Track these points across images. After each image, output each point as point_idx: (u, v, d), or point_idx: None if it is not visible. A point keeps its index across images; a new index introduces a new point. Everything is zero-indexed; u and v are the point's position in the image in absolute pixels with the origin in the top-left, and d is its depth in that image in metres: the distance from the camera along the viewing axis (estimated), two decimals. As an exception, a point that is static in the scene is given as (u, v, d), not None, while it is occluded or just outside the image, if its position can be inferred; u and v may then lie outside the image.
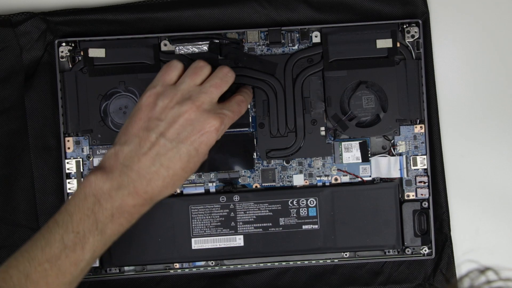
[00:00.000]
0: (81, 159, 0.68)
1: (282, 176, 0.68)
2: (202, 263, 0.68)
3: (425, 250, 0.68)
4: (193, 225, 0.67)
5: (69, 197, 0.60)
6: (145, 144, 0.57)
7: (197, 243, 0.67)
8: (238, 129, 0.68)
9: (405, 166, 0.68)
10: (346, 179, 0.68)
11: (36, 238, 0.55)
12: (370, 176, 0.68)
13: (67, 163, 0.67)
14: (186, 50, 0.68)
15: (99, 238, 0.55)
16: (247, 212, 0.67)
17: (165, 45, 0.68)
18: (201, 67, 0.59)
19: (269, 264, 0.68)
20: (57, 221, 0.55)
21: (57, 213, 0.56)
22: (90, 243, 0.55)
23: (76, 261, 0.55)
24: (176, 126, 0.57)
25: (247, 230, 0.67)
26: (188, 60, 0.67)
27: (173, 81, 0.59)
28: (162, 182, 0.57)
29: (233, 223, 0.67)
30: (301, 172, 0.68)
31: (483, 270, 0.40)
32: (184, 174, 0.58)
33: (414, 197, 0.68)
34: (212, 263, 0.68)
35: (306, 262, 0.68)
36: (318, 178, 0.68)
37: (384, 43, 0.67)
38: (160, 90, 0.58)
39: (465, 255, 0.67)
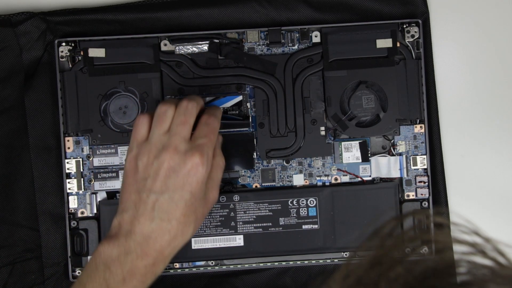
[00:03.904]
0: (81, 159, 0.68)
1: (282, 176, 0.68)
2: (202, 263, 0.68)
3: (425, 250, 0.68)
4: (193, 225, 0.67)
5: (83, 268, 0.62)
6: (140, 205, 0.58)
7: (197, 243, 0.67)
8: (238, 129, 0.68)
9: (405, 166, 0.68)
10: (346, 179, 0.68)
11: None
12: (370, 176, 0.68)
13: (67, 163, 0.67)
14: (186, 50, 0.68)
15: None
16: (247, 212, 0.67)
17: (165, 45, 0.68)
18: (164, 112, 0.60)
19: (269, 264, 0.68)
20: None
21: (72, 286, 0.58)
22: None
23: None
24: (161, 178, 0.58)
25: (247, 230, 0.67)
26: (187, 60, 0.67)
27: (145, 136, 0.60)
28: (169, 235, 0.58)
29: (233, 223, 0.67)
30: (301, 172, 0.68)
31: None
32: (188, 219, 0.58)
33: (414, 197, 0.68)
34: (212, 263, 0.68)
35: (306, 262, 0.68)
36: (318, 178, 0.68)
37: (384, 43, 0.67)
38: (137, 152, 0.60)
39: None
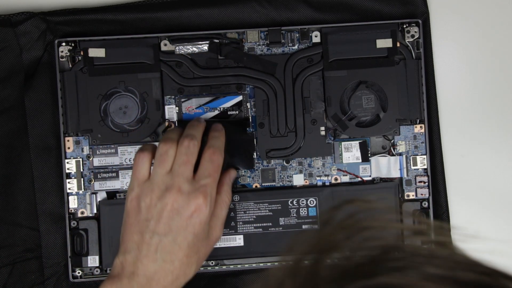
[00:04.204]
0: (81, 159, 0.68)
1: (282, 176, 0.68)
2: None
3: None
4: (193, 225, 0.67)
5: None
6: (143, 246, 0.58)
7: (197, 243, 0.67)
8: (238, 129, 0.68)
9: (405, 166, 0.68)
10: (346, 179, 0.68)
11: None
12: (370, 176, 0.68)
13: (67, 163, 0.67)
14: (186, 50, 0.68)
15: None
16: (247, 212, 0.67)
17: (165, 45, 0.68)
18: (166, 152, 0.59)
19: (269, 264, 0.68)
20: None
21: None
22: None
23: None
24: (164, 220, 0.58)
25: (247, 230, 0.67)
26: (187, 60, 0.67)
27: (146, 176, 0.60)
28: (172, 276, 0.58)
29: (233, 223, 0.67)
30: (301, 172, 0.68)
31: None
32: (190, 260, 0.58)
33: (414, 197, 0.68)
34: (212, 263, 0.68)
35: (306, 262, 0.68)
36: (318, 178, 0.68)
37: (384, 43, 0.67)
38: (139, 191, 0.59)
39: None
